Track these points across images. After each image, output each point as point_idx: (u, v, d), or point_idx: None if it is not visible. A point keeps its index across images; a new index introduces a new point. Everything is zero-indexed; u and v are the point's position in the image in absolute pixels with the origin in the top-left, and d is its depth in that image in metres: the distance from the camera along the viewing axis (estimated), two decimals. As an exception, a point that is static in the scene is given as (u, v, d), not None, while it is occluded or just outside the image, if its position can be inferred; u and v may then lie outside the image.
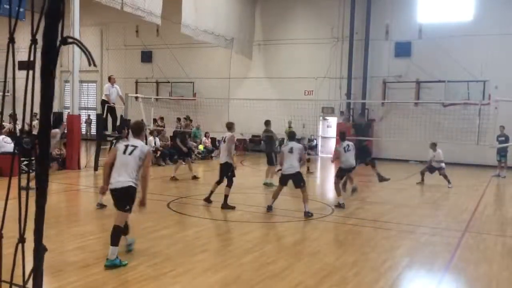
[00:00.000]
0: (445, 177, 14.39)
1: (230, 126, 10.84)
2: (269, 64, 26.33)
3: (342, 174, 10.97)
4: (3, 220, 1.54)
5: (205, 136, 22.11)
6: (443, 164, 14.70)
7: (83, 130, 24.19)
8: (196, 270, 5.92)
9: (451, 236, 8.27)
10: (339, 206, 10.44)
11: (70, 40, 1.37)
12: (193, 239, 7.44)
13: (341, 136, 11.22)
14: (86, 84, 27.13)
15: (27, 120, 14.00)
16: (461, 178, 16.60)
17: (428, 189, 14.23)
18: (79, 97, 16.62)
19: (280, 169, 10.11)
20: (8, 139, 13.79)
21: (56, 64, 1.35)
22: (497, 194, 14.73)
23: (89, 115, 29.22)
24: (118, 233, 5.92)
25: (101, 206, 9.13)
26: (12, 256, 1.64)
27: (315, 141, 25.03)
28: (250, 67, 26.49)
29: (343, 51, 24.43)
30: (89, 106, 29.02)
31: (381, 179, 12.48)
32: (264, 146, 14.31)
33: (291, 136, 10.10)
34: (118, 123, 16.22)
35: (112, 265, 5.78)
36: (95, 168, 15.23)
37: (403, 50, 23.20)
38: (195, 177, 14.88)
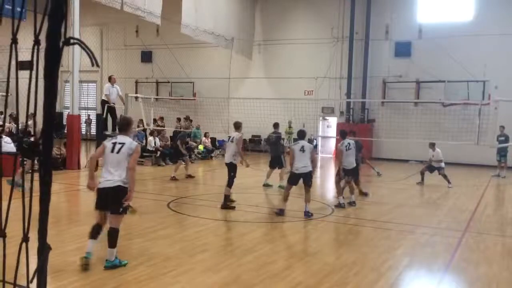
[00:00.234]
0: (445, 177, 14.39)
1: (238, 126, 10.70)
2: (269, 64, 26.32)
3: (344, 174, 10.77)
4: (6, 219, 1.55)
5: (205, 136, 22.12)
6: (442, 164, 14.70)
7: (83, 130, 24.17)
8: (196, 270, 5.92)
9: (451, 236, 8.27)
10: (339, 206, 10.44)
11: (73, 40, 1.37)
12: (193, 239, 7.44)
13: (342, 134, 11.17)
14: (86, 84, 27.10)
15: (27, 120, 14.03)
16: (461, 178, 16.60)
17: (428, 189, 14.23)
18: (79, 97, 16.62)
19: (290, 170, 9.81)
20: (8, 139, 13.79)
21: (59, 65, 1.35)
22: (497, 194, 14.73)
23: (89, 115, 29.22)
24: (115, 235, 5.87)
25: None
26: (13, 256, 1.64)
27: (315, 141, 25.02)
28: (250, 67, 26.49)
29: (343, 51, 24.43)
30: (89, 106, 29.00)
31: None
32: (271, 148, 14.14)
33: (301, 135, 9.87)
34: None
35: (112, 266, 5.78)
36: (95, 169, 15.22)
37: (403, 50, 23.20)
38: (189, 176, 14.87)
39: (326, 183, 15.73)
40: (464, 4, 22.15)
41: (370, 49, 23.79)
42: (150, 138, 19.28)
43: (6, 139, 13.78)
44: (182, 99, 26.76)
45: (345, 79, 24.29)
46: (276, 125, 14.35)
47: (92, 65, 1.55)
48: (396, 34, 23.36)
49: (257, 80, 26.17)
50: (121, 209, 5.88)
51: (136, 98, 21.12)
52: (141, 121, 20.58)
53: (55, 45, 1.31)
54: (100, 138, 16.38)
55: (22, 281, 1.69)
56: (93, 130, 27.56)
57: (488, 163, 19.54)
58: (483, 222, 9.66)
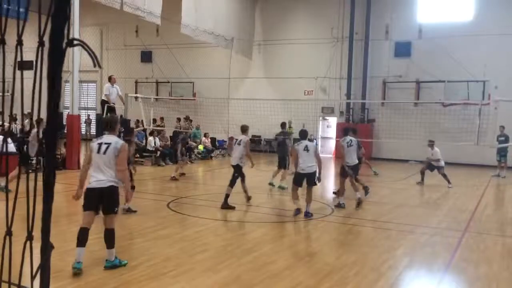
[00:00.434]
0: (445, 176, 14.38)
1: (245, 129, 10.85)
2: (269, 64, 26.32)
3: (347, 172, 10.73)
4: (12, 218, 1.56)
5: (205, 136, 22.12)
6: (442, 163, 14.69)
7: (83, 130, 24.18)
8: (196, 270, 5.92)
9: (451, 236, 8.27)
10: (339, 206, 10.44)
11: (76, 42, 1.37)
12: (193, 239, 7.44)
13: (344, 131, 11.15)
14: (86, 84, 27.10)
15: (23, 120, 14.05)
16: (461, 178, 16.60)
17: (428, 189, 14.23)
18: (79, 97, 16.61)
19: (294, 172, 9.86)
20: (8, 139, 13.79)
21: (63, 66, 1.35)
22: (497, 194, 14.72)
23: (89, 115, 29.21)
24: (112, 235, 5.87)
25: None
26: (14, 255, 1.64)
27: (315, 141, 25.01)
28: (250, 67, 26.49)
29: (343, 51, 24.43)
30: (89, 106, 28.99)
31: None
32: (278, 148, 14.14)
33: (303, 134, 9.83)
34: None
35: (112, 266, 5.78)
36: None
37: (403, 50, 23.20)
38: (182, 174, 14.97)
39: (326, 183, 15.72)
40: (464, 4, 22.15)
41: (370, 49, 23.79)
42: (150, 138, 19.28)
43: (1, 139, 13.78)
44: (182, 99, 26.75)
45: (345, 79, 24.30)
46: (283, 125, 14.41)
47: (94, 66, 1.56)
48: (396, 34, 23.36)
49: (257, 80, 26.17)
50: (115, 209, 5.90)
51: (136, 98, 21.13)
52: (137, 121, 20.62)
53: (58, 46, 1.31)
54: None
55: (23, 281, 1.68)
56: (93, 130, 27.54)
57: (488, 163, 19.54)
58: (483, 222, 9.66)
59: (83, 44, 1.44)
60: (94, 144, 5.92)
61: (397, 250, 7.27)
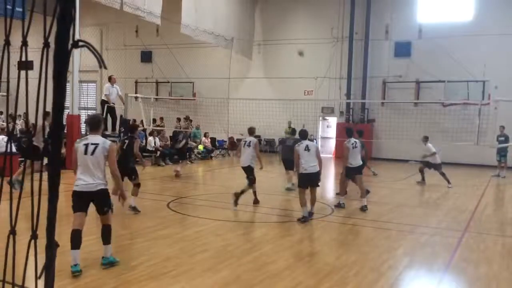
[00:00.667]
0: (443, 175, 14.38)
1: (253, 131, 11.18)
2: (269, 64, 26.32)
3: (351, 173, 10.65)
4: (16, 217, 1.56)
5: (205, 136, 22.12)
6: (437, 159, 14.66)
7: (83, 130, 24.18)
8: (196, 270, 5.92)
9: (451, 236, 8.27)
10: (339, 206, 10.43)
11: (81, 43, 1.38)
12: (193, 239, 7.44)
13: (348, 132, 11.02)
14: (86, 84, 27.11)
15: (15, 119, 14.00)
16: (461, 178, 16.60)
17: (428, 189, 14.23)
18: (79, 97, 16.62)
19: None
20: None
21: (68, 67, 1.36)
22: (497, 194, 14.72)
23: (88, 115, 29.22)
24: (109, 231, 5.92)
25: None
26: (17, 254, 1.64)
27: (315, 141, 25.02)
28: (250, 67, 26.49)
29: (343, 51, 24.43)
30: (89, 106, 29.00)
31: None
32: (287, 151, 14.13)
33: (304, 134, 9.67)
34: (118, 123, 16.24)
35: (109, 263, 5.83)
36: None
37: (403, 50, 23.20)
38: (177, 172, 15.24)
39: (326, 183, 15.71)
40: (464, 4, 22.15)
41: (370, 49, 23.79)
42: (150, 138, 19.28)
43: (6, 139, 13.80)
44: (182, 99, 26.75)
45: (345, 79, 24.30)
46: (294, 131, 14.70)
47: (100, 67, 1.56)
48: (396, 34, 23.36)
49: (257, 80, 26.16)
50: (109, 208, 5.98)
51: (136, 98, 21.13)
52: (134, 120, 20.61)
53: (63, 48, 1.32)
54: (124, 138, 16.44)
55: (24, 281, 1.68)
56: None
57: (488, 163, 19.54)
58: (483, 222, 9.66)
59: (88, 45, 1.44)
60: (80, 145, 5.75)
61: (397, 250, 7.27)
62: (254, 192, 10.64)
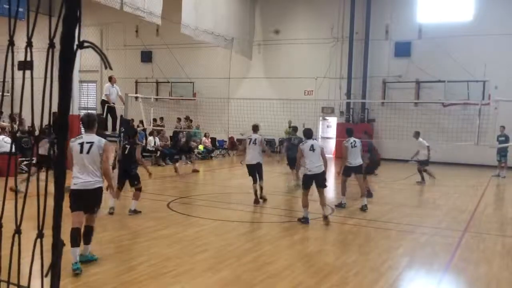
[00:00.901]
0: (420, 172, 14.67)
1: (257, 128, 11.34)
2: (269, 64, 26.32)
3: (349, 173, 10.67)
4: (21, 217, 1.57)
5: (205, 136, 22.12)
6: (425, 152, 14.75)
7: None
8: (196, 270, 5.92)
9: (451, 236, 8.27)
10: (340, 205, 10.43)
11: (86, 44, 1.39)
12: (193, 239, 7.44)
13: (348, 132, 11.03)
14: (86, 84, 27.12)
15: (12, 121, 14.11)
16: (461, 178, 16.60)
17: (428, 189, 14.23)
18: (79, 97, 16.61)
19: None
20: (8, 139, 13.80)
21: (74, 68, 1.36)
22: (497, 194, 14.73)
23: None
24: (92, 232, 6.02)
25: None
26: (21, 253, 1.65)
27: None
28: (250, 67, 26.49)
29: (343, 51, 24.44)
30: (89, 106, 29.01)
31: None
32: (291, 150, 14.26)
33: (309, 134, 9.36)
34: (118, 123, 16.23)
35: (86, 260, 5.89)
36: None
37: (403, 50, 23.21)
38: (176, 171, 15.81)
39: (326, 183, 15.71)
40: (464, 4, 22.15)
41: (370, 49, 23.80)
42: (150, 138, 19.28)
43: (6, 139, 13.80)
44: (182, 99, 26.75)
45: (345, 79, 24.31)
46: (296, 129, 14.75)
47: (105, 67, 1.58)
48: (396, 34, 23.37)
49: (257, 80, 26.17)
50: (98, 209, 6.08)
51: (136, 98, 21.11)
52: (132, 120, 20.61)
53: (69, 48, 1.32)
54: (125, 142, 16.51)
55: (24, 280, 1.69)
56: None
57: (488, 163, 19.54)
58: (483, 222, 9.66)
59: (94, 46, 1.45)
60: (75, 144, 5.79)
61: (397, 250, 7.27)
62: (255, 192, 10.73)
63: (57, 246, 1.42)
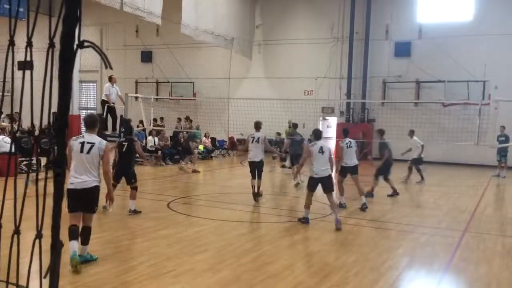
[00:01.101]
0: (410, 170, 14.83)
1: (260, 126, 11.50)
2: (269, 64, 26.32)
3: (345, 173, 10.69)
4: (20, 217, 1.57)
5: (205, 136, 22.12)
6: (415, 154, 14.87)
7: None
8: (196, 270, 5.92)
9: (451, 236, 8.27)
10: (340, 206, 10.44)
11: (86, 43, 1.39)
12: (193, 239, 7.44)
13: (344, 132, 11.07)
14: (86, 84, 27.13)
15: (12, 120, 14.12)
16: (461, 178, 16.59)
17: (428, 189, 14.23)
18: (79, 97, 16.61)
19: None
20: (8, 139, 13.80)
21: (73, 67, 1.37)
22: (497, 194, 14.73)
23: (86, 114, 29.17)
24: (89, 233, 6.01)
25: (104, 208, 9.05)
26: (20, 253, 1.65)
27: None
28: (250, 67, 26.49)
29: (343, 51, 24.44)
30: (89, 106, 29.01)
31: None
32: (294, 147, 14.36)
33: (318, 135, 9.02)
34: (118, 123, 16.24)
35: (84, 261, 5.89)
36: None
37: (403, 50, 23.20)
38: (195, 171, 16.08)
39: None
40: (464, 4, 22.15)
41: (370, 49, 23.79)
42: (149, 138, 19.28)
43: (6, 139, 13.80)
44: (182, 99, 26.75)
45: (345, 79, 24.30)
46: (296, 126, 15.20)
47: (106, 67, 1.58)
48: (396, 34, 23.37)
49: (257, 80, 26.17)
50: (95, 208, 6.05)
51: (136, 98, 21.12)
52: (130, 121, 20.64)
53: (69, 48, 1.32)
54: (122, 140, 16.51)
55: (23, 281, 1.69)
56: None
57: (488, 163, 19.54)
58: (483, 222, 9.66)
59: (94, 46, 1.45)
60: (76, 143, 5.84)
61: (397, 250, 7.27)
62: (253, 186, 10.96)
63: (56, 247, 1.42)
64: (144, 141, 19.31)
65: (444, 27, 22.06)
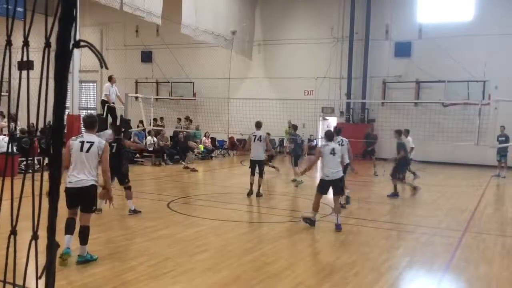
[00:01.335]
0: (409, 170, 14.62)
1: (261, 125, 11.80)
2: (269, 64, 26.32)
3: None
4: (17, 217, 1.57)
5: (205, 136, 22.12)
6: (411, 155, 14.77)
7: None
8: (196, 270, 5.92)
9: (451, 236, 8.27)
10: (341, 206, 10.41)
11: (83, 43, 1.39)
12: (193, 239, 7.44)
13: (336, 131, 10.98)
14: (86, 84, 27.12)
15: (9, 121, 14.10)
16: (461, 178, 16.59)
17: (428, 189, 14.21)
18: (79, 97, 16.61)
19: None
20: (6, 139, 13.80)
21: (69, 67, 1.36)
22: (497, 194, 14.72)
23: (85, 115, 29.14)
24: (87, 232, 6.02)
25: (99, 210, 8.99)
26: (17, 253, 1.65)
27: (315, 141, 25.04)
28: (250, 67, 26.49)
29: (343, 51, 24.44)
30: (89, 106, 29.01)
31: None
32: (295, 147, 14.48)
33: (330, 136, 8.77)
34: (118, 123, 16.25)
35: (84, 261, 5.91)
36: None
37: (403, 50, 23.20)
38: (193, 169, 16.13)
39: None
40: (464, 4, 22.15)
41: (370, 49, 23.80)
42: (149, 138, 19.28)
43: (6, 139, 13.80)
44: (182, 99, 26.75)
45: (345, 79, 24.31)
46: (296, 127, 15.38)
47: (101, 67, 1.57)
48: (396, 34, 23.37)
49: (257, 80, 26.17)
50: (94, 207, 6.12)
51: (136, 98, 21.13)
52: (137, 121, 20.66)
53: (65, 48, 1.32)
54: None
55: (25, 281, 1.69)
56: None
57: (488, 163, 19.53)
58: (483, 222, 9.66)
59: (90, 46, 1.45)
60: (76, 142, 5.96)
61: (397, 250, 7.27)
62: (251, 184, 11.26)
63: (51, 248, 1.41)
64: (144, 141, 19.32)
65: (444, 27, 22.06)
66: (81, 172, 5.85)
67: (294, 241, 7.80)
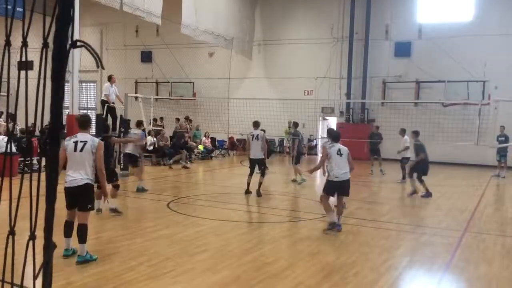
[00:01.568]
0: (403, 169, 14.74)
1: (259, 124, 12.00)
2: (269, 64, 26.32)
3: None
4: (15, 218, 1.57)
5: (205, 136, 22.12)
6: (407, 153, 14.77)
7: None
8: (196, 270, 5.92)
9: (451, 236, 8.27)
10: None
11: (79, 43, 1.39)
12: (193, 239, 7.44)
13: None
14: (86, 84, 27.11)
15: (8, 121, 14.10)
16: (461, 178, 16.58)
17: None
18: (79, 97, 16.60)
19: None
20: (5, 138, 13.80)
21: (66, 67, 1.36)
22: (497, 194, 14.72)
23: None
24: (85, 231, 6.05)
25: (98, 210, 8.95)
26: (15, 254, 1.64)
27: (315, 141, 25.06)
28: (250, 67, 26.49)
29: (343, 51, 24.43)
30: (89, 106, 29.00)
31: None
32: (295, 146, 14.55)
33: (337, 136, 8.52)
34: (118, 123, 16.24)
35: (84, 261, 5.92)
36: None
37: (403, 50, 23.20)
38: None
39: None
40: (464, 4, 22.14)
41: (370, 49, 23.79)
42: (149, 138, 19.27)
43: (6, 139, 13.80)
44: (182, 99, 26.75)
45: (345, 79, 24.30)
46: (296, 125, 15.17)
47: (98, 67, 1.57)
48: (396, 34, 23.36)
49: (257, 80, 26.17)
50: (89, 206, 6.16)
51: (136, 98, 21.12)
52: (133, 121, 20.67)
53: (62, 47, 1.32)
54: (99, 138, 16.47)
55: (24, 281, 1.68)
56: (93, 130, 27.50)
57: (488, 163, 19.53)
58: (483, 222, 9.65)
59: (86, 45, 1.45)
60: (70, 143, 6.05)
61: (397, 250, 7.27)
62: (248, 183, 11.45)
63: (48, 248, 1.41)
64: (144, 140, 19.32)
65: (444, 27, 22.06)
66: (76, 172, 5.95)
67: (294, 241, 7.80)
